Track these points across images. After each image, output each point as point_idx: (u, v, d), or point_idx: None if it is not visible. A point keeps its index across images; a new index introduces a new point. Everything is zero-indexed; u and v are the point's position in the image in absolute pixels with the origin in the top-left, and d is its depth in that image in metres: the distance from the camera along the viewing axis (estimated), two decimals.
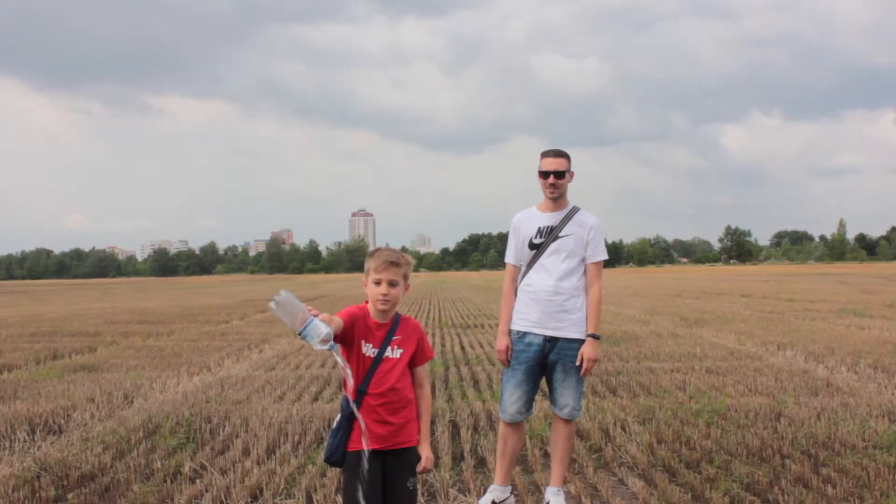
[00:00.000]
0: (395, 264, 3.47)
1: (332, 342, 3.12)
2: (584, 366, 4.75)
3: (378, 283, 3.46)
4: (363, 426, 3.34)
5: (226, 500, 5.16)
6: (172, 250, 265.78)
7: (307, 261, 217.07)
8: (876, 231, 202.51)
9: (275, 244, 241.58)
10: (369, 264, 3.50)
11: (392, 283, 3.46)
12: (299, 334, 3.06)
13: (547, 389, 5.03)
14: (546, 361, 4.81)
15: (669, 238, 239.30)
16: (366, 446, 3.34)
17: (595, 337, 4.79)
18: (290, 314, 3.05)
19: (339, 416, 3.49)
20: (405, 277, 3.53)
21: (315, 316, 3.09)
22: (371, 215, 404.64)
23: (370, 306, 3.52)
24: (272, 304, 3.06)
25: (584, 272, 4.88)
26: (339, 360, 3.28)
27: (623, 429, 6.83)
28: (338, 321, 3.29)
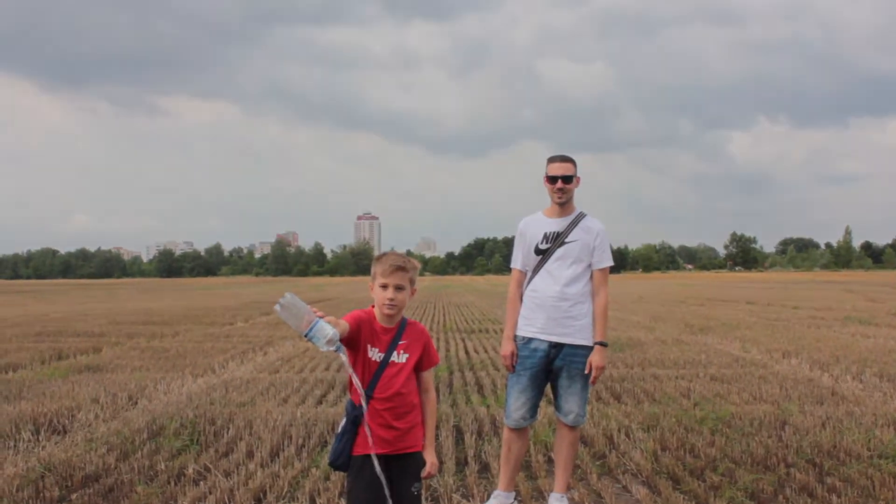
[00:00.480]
0: (401, 269, 3.47)
1: (338, 343, 3.13)
2: (593, 374, 4.75)
3: (385, 287, 3.46)
4: (368, 431, 3.34)
5: (229, 502, 5.16)
6: (178, 251, 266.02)
7: (312, 263, 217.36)
8: (882, 239, 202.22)
9: (280, 246, 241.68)
10: (376, 268, 3.51)
11: (399, 288, 3.46)
12: (305, 336, 3.06)
13: (551, 395, 5.03)
14: (551, 367, 4.81)
15: (675, 244, 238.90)
16: (373, 450, 3.34)
17: (603, 344, 4.79)
18: (296, 316, 3.06)
19: (343, 419, 3.49)
20: (411, 282, 3.53)
21: (321, 318, 3.09)
22: (376, 218, 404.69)
23: (376, 310, 3.52)
24: (277, 307, 3.06)
25: (590, 278, 4.88)
26: (345, 361, 3.28)
27: (627, 435, 6.81)
28: (343, 325, 3.29)
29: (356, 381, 3.36)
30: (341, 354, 3.21)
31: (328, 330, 3.08)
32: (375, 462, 3.33)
